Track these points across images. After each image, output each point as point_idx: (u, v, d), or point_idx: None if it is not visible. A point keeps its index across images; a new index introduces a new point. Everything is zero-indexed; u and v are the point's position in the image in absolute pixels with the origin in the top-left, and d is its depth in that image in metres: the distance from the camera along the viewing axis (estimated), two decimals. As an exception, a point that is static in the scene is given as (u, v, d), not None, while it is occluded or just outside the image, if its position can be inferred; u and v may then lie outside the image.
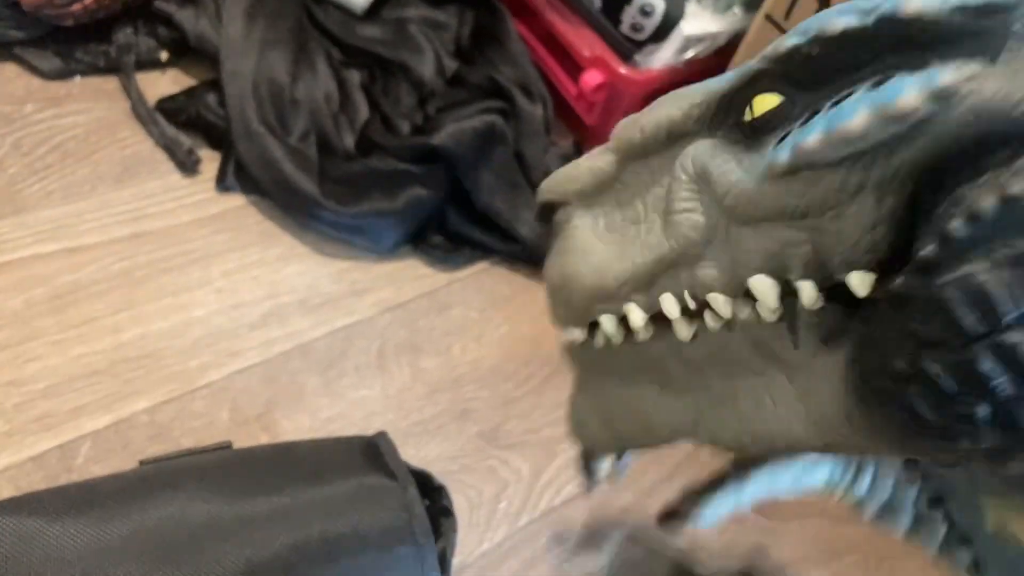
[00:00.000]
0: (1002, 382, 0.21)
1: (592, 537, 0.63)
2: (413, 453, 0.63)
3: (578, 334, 0.35)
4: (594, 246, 0.32)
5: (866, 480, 0.41)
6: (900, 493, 0.40)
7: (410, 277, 0.73)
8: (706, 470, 0.48)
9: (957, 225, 0.21)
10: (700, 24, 0.79)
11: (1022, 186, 0.21)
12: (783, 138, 0.26)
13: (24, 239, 0.66)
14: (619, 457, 0.41)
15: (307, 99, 0.75)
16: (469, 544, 0.61)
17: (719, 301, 0.29)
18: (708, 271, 0.29)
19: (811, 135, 0.24)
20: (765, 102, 0.27)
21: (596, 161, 0.32)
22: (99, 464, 0.57)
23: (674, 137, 0.30)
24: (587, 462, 0.43)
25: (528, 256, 0.76)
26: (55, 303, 0.63)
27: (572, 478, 0.65)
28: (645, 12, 0.78)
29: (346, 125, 0.76)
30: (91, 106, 0.75)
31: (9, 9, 0.74)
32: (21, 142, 0.71)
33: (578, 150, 0.84)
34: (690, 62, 0.81)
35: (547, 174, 0.78)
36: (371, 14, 0.84)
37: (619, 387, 0.35)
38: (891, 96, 0.22)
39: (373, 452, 0.52)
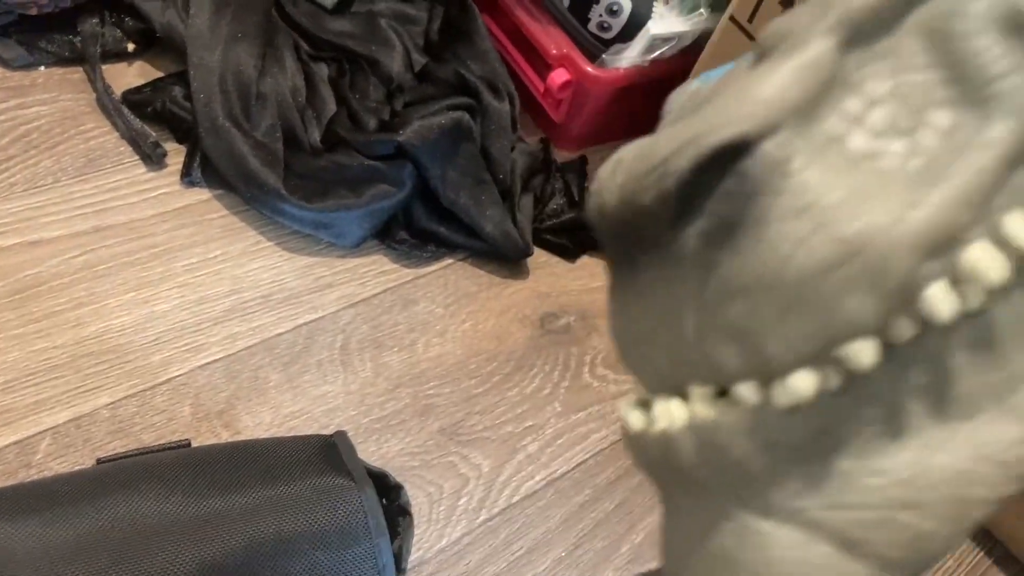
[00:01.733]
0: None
1: (550, 534, 0.64)
2: (374, 449, 0.64)
3: (865, 355, 0.20)
4: (868, 183, 0.19)
5: None
6: None
7: (375, 273, 0.74)
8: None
9: None
10: (667, 24, 0.80)
11: None
12: None
13: (-15, 231, 0.66)
14: None
15: (274, 93, 0.74)
16: (428, 540, 0.61)
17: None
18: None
19: None
20: None
21: (802, 56, 0.20)
22: (58, 460, 0.57)
23: None
24: None
25: (494, 253, 0.77)
26: (15, 297, 0.63)
27: (532, 475, 0.66)
28: (612, 11, 0.78)
29: (313, 120, 0.76)
30: (55, 97, 0.75)
31: (-28, -3, 0.73)
32: (-16, 132, 0.71)
33: (545, 147, 0.85)
34: (656, 62, 0.82)
35: (513, 171, 0.79)
36: (341, 8, 0.84)
37: (876, 456, 0.21)
38: None
39: (331, 452, 0.52)
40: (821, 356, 0.20)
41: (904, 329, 0.19)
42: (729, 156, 0.20)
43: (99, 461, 0.52)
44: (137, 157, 0.73)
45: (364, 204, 0.71)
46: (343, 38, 0.82)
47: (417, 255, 0.76)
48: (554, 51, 0.81)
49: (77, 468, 0.56)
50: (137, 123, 0.74)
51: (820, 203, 0.19)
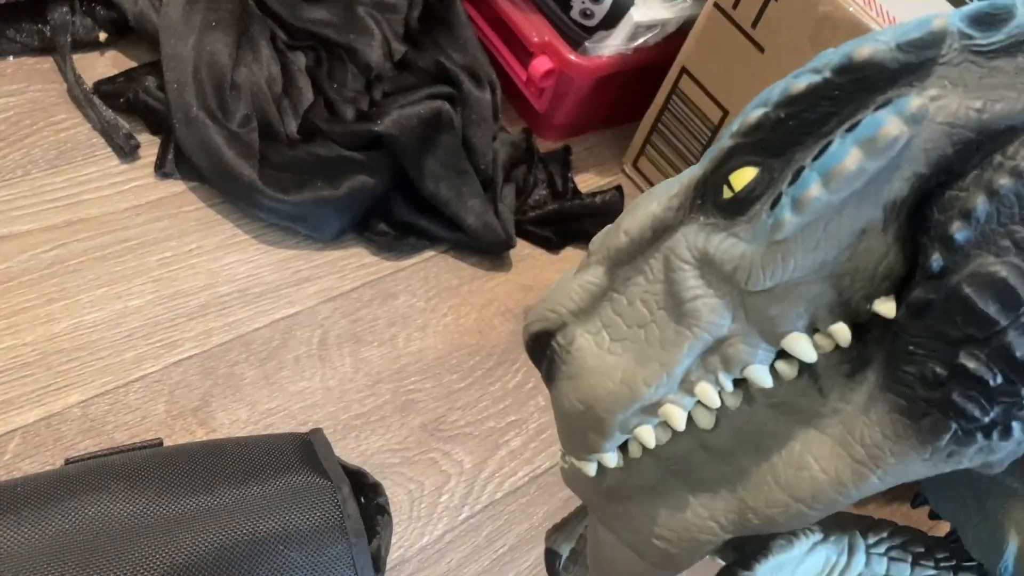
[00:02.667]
0: None
1: (533, 531, 0.63)
2: (354, 446, 0.62)
3: (609, 459, 0.33)
4: (608, 361, 0.31)
5: (859, 559, 0.41)
6: (892, 568, 0.40)
7: (354, 266, 0.72)
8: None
9: (955, 227, 0.24)
10: (650, 12, 0.79)
11: (1004, 179, 0.24)
12: (775, 202, 0.27)
13: (-47, 226, 0.64)
14: None
15: (249, 83, 0.73)
16: (409, 538, 0.60)
17: (759, 372, 0.28)
18: (738, 347, 0.28)
19: (810, 185, 0.25)
20: (743, 176, 0.28)
21: (584, 276, 0.31)
22: (28, 460, 0.56)
23: (659, 233, 0.30)
24: None
25: (475, 245, 0.75)
26: (-16, 293, 0.62)
27: (514, 471, 0.65)
28: (595, -2, 0.77)
29: (289, 110, 0.74)
30: (25, 87, 0.73)
31: (-62, -15, 0.71)
32: (-49, 124, 0.69)
33: (528, 137, 0.83)
34: (640, 49, 0.80)
35: (495, 161, 0.78)
36: (318, -5, 0.83)
37: (647, 505, 0.33)
38: (874, 129, 0.25)
39: (306, 450, 0.51)
40: (594, 454, 0.33)
41: (649, 440, 0.31)
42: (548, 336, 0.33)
43: (67, 461, 0.51)
44: (109, 149, 0.71)
45: (342, 196, 0.70)
46: (320, 26, 0.80)
47: (397, 248, 0.74)
48: (536, 39, 0.79)
49: (46, 468, 0.54)
50: (109, 114, 0.72)
51: (581, 373, 0.31)
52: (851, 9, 0.65)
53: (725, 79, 0.76)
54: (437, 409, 0.66)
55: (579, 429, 0.32)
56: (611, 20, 0.78)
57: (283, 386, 0.64)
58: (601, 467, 0.34)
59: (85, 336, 0.62)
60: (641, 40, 0.80)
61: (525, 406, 0.69)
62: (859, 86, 0.26)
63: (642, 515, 0.33)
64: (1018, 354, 0.23)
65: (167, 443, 0.55)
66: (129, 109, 0.73)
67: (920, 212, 0.26)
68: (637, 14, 0.78)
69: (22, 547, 0.44)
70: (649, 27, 0.79)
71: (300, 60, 0.79)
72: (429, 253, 0.76)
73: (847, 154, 0.25)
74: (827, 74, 0.26)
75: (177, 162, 0.71)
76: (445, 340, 0.70)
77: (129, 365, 0.62)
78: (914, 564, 0.40)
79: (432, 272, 0.75)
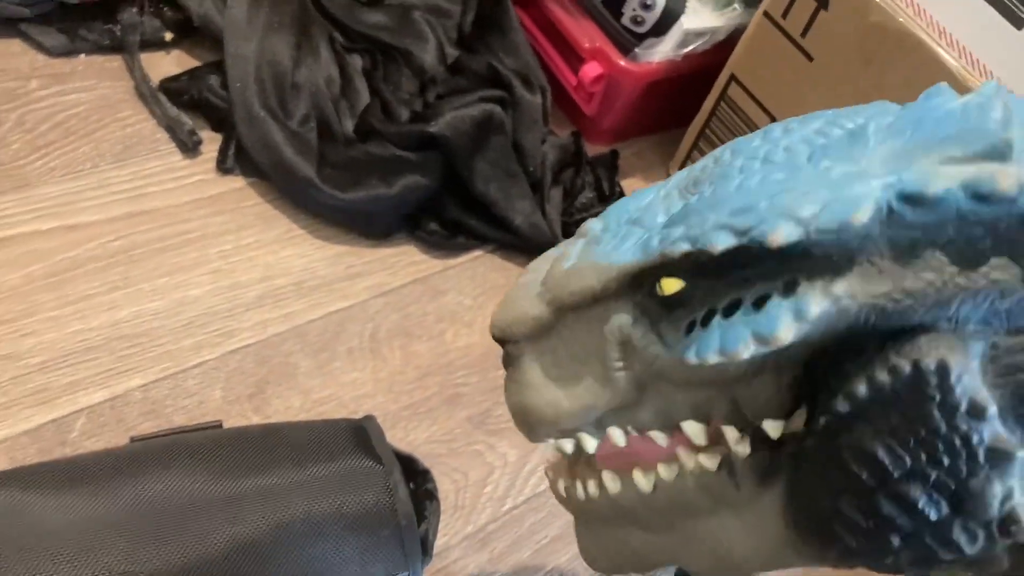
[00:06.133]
0: (903, 520, 0.27)
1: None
2: (402, 436, 0.64)
3: (565, 444, 0.36)
4: (544, 383, 0.34)
5: None
6: None
7: (405, 263, 0.74)
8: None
9: (840, 403, 0.27)
10: (700, 19, 0.80)
11: (884, 375, 0.26)
12: (691, 324, 0.29)
13: (24, 215, 0.67)
14: None
15: (308, 83, 0.75)
16: (454, 526, 0.62)
17: (659, 436, 0.33)
18: (644, 415, 0.32)
19: (735, 346, 0.28)
20: (671, 284, 0.30)
21: (534, 309, 0.34)
22: (93, 439, 0.58)
23: (600, 300, 0.32)
24: None
25: (523, 245, 0.77)
26: (53, 279, 0.64)
27: (557, 465, 0.67)
28: (646, 5, 0.78)
29: (346, 110, 0.77)
30: (95, 84, 0.76)
31: (16, -15, 0.74)
32: (24, 118, 0.72)
33: (576, 141, 0.85)
34: (689, 56, 0.82)
35: (543, 163, 0.79)
36: (375, 0, 0.85)
37: (610, 529, 0.37)
38: (769, 328, 0.27)
39: (360, 435, 0.53)
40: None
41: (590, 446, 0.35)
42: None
43: (133, 440, 0.53)
44: (173, 144, 0.74)
45: (395, 194, 0.72)
46: (377, 30, 0.83)
47: (446, 246, 0.76)
48: (587, 44, 0.81)
49: (110, 446, 0.57)
50: (174, 111, 0.75)
51: (522, 381, 0.34)
52: (901, 20, 0.65)
53: (774, 87, 0.77)
54: (483, 403, 0.68)
55: (520, 425, 0.36)
56: (661, 27, 0.79)
57: (335, 376, 0.66)
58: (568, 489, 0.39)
59: (147, 323, 0.64)
60: (691, 47, 0.81)
61: (569, 403, 0.70)
62: (775, 260, 0.27)
63: (604, 533, 0.38)
64: (883, 512, 0.27)
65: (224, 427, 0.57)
66: (193, 106, 0.76)
67: (820, 366, 0.28)
68: (687, 21, 0.79)
69: (98, 517, 0.46)
70: (699, 34, 0.80)
71: (357, 62, 0.81)
72: (477, 252, 0.77)
73: (741, 340, 0.27)
74: (744, 240, 0.27)
75: (238, 158, 0.74)
76: (491, 337, 0.72)
77: (188, 352, 0.64)
78: None
79: (480, 271, 0.76)
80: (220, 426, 0.55)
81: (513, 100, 0.79)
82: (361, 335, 0.69)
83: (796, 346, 0.28)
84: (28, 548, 0.44)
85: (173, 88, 0.76)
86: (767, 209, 0.27)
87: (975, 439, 0.26)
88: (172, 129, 0.74)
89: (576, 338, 0.33)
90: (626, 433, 0.33)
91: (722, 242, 0.27)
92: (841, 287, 0.27)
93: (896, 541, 0.27)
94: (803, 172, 0.28)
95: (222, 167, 0.74)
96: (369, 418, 0.55)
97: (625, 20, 0.80)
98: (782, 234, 0.26)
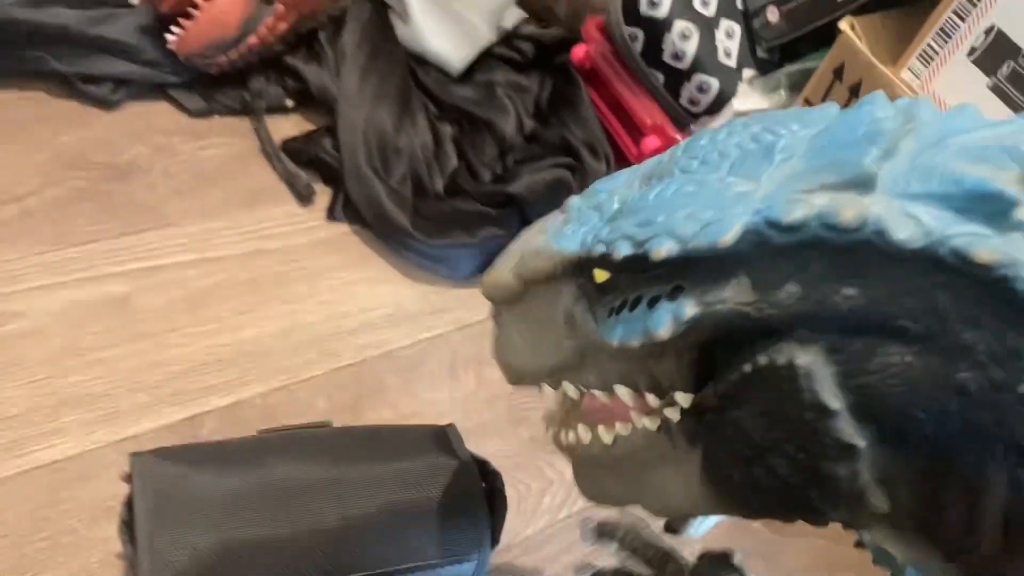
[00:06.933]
0: (776, 485, 0.32)
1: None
2: (474, 449, 0.74)
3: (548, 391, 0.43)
4: (516, 341, 0.41)
5: None
6: None
7: (482, 302, 0.81)
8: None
9: (722, 385, 0.32)
10: (750, 101, 0.90)
11: (748, 368, 0.31)
12: (620, 307, 0.35)
13: (168, 248, 0.80)
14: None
15: (407, 147, 0.88)
16: (515, 528, 0.72)
17: (600, 395, 0.38)
18: (589, 376, 0.38)
19: (633, 336, 0.34)
20: (601, 274, 0.35)
21: (508, 279, 0.40)
22: (220, 435, 0.70)
23: (552, 280, 0.38)
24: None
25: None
26: (190, 303, 0.77)
27: (607, 483, 0.76)
28: (702, 89, 0.90)
29: (437, 171, 0.89)
30: (227, 141, 0.90)
31: (166, 57, 0.88)
32: (169, 168, 0.86)
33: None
34: (738, 134, 0.92)
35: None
36: (465, 77, 0.98)
37: (592, 471, 0.43)
38: (655, 326, 0.32)
39: (443, 438, 0.63)
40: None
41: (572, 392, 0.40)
42: None
43: (259, 432, 0.64)
44: (291, 195, 0.87)
45: (477, 243, 0.84)
46: (466, 103, 0.95)
47: (519, 290, 0.87)
48: (648, 120, 0.92)
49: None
50: (292, 167, 0.88)
51: (502, 337, 0.42)
52: (920, 109, 0.75)
53: (812, 162, 0.87)
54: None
55: (500, 369, 0.44)
56: (715, 107, 0.91)
57: (419, 395, 0.77)
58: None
59: (266, 343, 0.76)
60: (740, 126, 0.92)
61: (620, 431, 0.80)
62: (664, 264, 0.32)
63: (592, 474, 0.44)
64: (758, 478, 0.33)
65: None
66: (308, 163, 0.89)
67: (714, 351, 0.33)
68: (738, 103, 0.90)
69: (227, 491, 0.56)
70: (748, 115, 0.91)
71: (447, 130, 0.94)
72: (545, 297, 0.88)
73: (634, 333, 0.33)
74: (640, 251, 0.32)
75: (345, 209, 0.86)
76: (555, 370, 0.82)
77: (299, 368, 0.76)
78: None
79: (547, 313, 0.87)
80: (329, 424, 0.66)
81: (581, 166, 0.91)
82: (441, 361, 0.80)
83: (686, 336, 0.32)
84: (187, 511, 0.54)
85: (292, 147, 0.89)
86: (661, 225, 0.32)
87: (821, 430, 0.29)
88: (290, 182, 0.87)
89: (539, 307, 0.39)
90: (578, 390, 0.39)
91: (624, 251, 0.33)
92: (713, 295, 0.31)
93: (775, 502, 0.33)
94: (708, 187, 0.32)
95: (332, 216, 0.86)
96: (451, 426, 0.65)
97: (683, 100, 0.91)
98: (664, 251, 0.31)
